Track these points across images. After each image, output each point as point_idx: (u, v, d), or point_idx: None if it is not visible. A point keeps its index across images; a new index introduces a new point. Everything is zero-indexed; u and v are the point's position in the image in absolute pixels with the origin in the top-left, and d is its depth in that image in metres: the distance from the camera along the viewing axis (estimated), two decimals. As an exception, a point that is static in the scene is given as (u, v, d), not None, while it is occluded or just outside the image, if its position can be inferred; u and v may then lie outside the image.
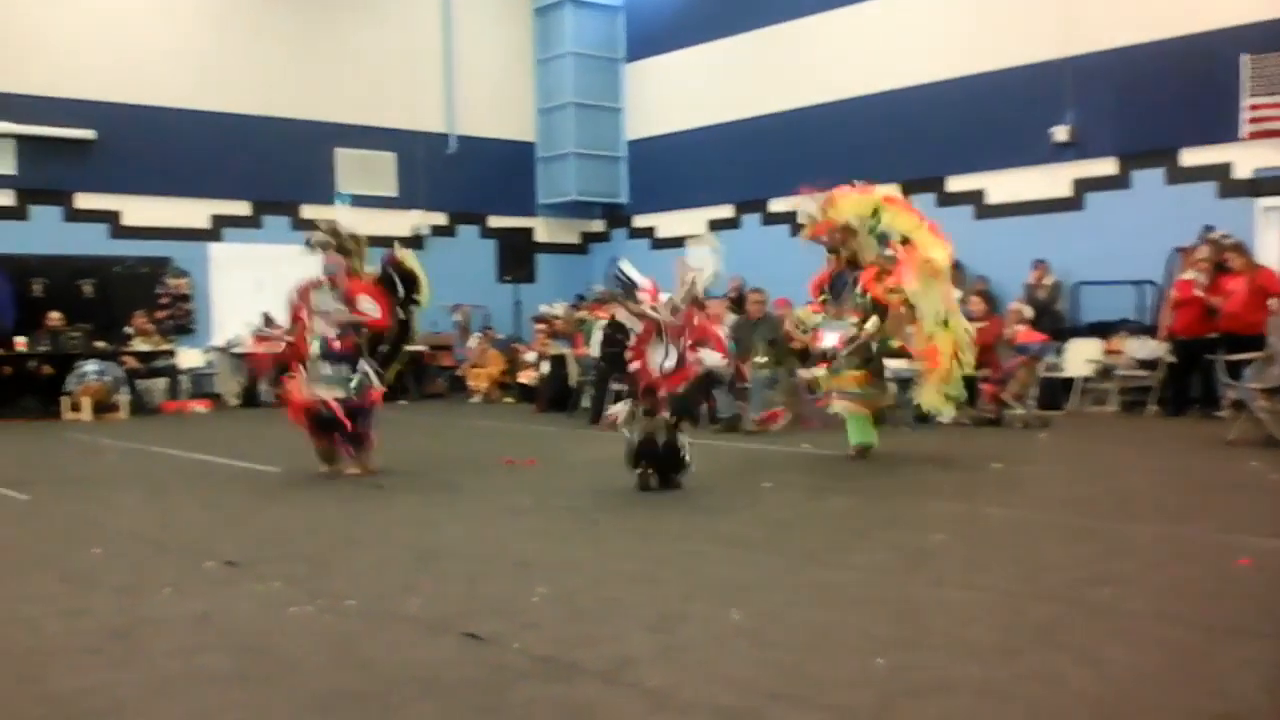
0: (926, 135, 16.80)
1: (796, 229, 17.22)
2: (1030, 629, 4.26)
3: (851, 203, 9.61)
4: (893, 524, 6.55)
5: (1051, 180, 15.49)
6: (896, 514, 6.96)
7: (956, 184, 16.60)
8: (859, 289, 9.44)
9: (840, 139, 17.78)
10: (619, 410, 8.06)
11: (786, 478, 8.54)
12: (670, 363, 7.80)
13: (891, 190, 9.63)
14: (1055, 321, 14.49)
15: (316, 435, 8.81)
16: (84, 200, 17.50)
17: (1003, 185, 16.08)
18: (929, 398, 9.38)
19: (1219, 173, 13.96)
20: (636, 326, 7.93)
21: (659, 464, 7.88)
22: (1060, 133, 15.29)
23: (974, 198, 16.43)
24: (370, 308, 8.93)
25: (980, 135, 16.21)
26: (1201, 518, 6.75)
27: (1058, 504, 7.34)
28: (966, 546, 5.86)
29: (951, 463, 9.48)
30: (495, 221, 20.97)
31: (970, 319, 12.77)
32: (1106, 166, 15.08)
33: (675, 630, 4.28)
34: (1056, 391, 13.64)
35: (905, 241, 9.29)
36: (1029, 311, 13.65)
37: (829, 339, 9.51)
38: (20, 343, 15.72)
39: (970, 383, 12.38)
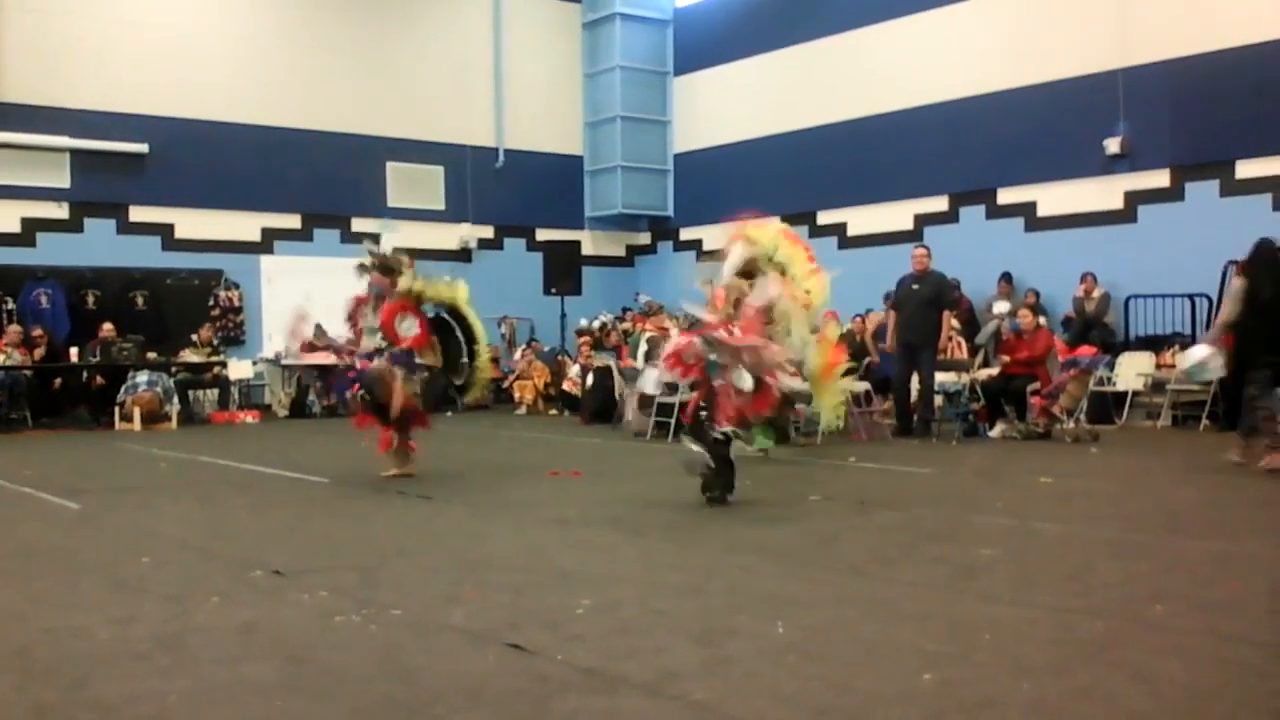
0: (977, 147, 16.70)
1: (845, 242, 17.30)
2: (1081, 646, 4.19)
3: (763, 234, 9.70)
4: (941, 538, 6.47)
5: (1103, 192, 15.35)
6: (945, 528, 6.89)
7: (1007, 196, 16.49)
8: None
9: (889, 151, 17.73)
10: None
11: (833, 491, 8.49)
12: (747, 385, 7.45)
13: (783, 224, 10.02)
14: (1105, 335, 14.33)
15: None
16: (137, 213, 17.76)
17: (1054, 197, 15.95)
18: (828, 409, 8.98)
19: (1275, 185, 13.77)
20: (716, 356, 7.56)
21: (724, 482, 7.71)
22: (1112, 144, 15.15)
23: (1025, 210, 16.30)
24: (408, 327, 9.08)
25: (1031, 147, 16.09)
26: (1255, 534, 6.64)
27: (1109, 519, 7.24)
28: (1016, 562, 5.78)
29: (1000, 477, 9.38)
30: (542, 234, 21.04)
31: (1019, 332, 12.73)
32: (1159, 179, 14.92)
33: (721, 643, 4.25)
34: (1108, 406, 13.48)
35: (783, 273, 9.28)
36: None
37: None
38: (74, 354, 15.95)
39: (1020, 396, 12.32)
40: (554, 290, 19.89)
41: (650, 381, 9.40)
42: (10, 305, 16.19)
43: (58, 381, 15.90)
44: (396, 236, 9.58)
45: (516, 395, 17.91)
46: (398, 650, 4.22)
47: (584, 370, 16.20)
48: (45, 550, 6.47)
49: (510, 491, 8.74)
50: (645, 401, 12.31)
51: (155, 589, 5.30)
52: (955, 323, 14.05)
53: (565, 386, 17.02)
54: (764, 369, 7.50)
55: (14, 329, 15.47)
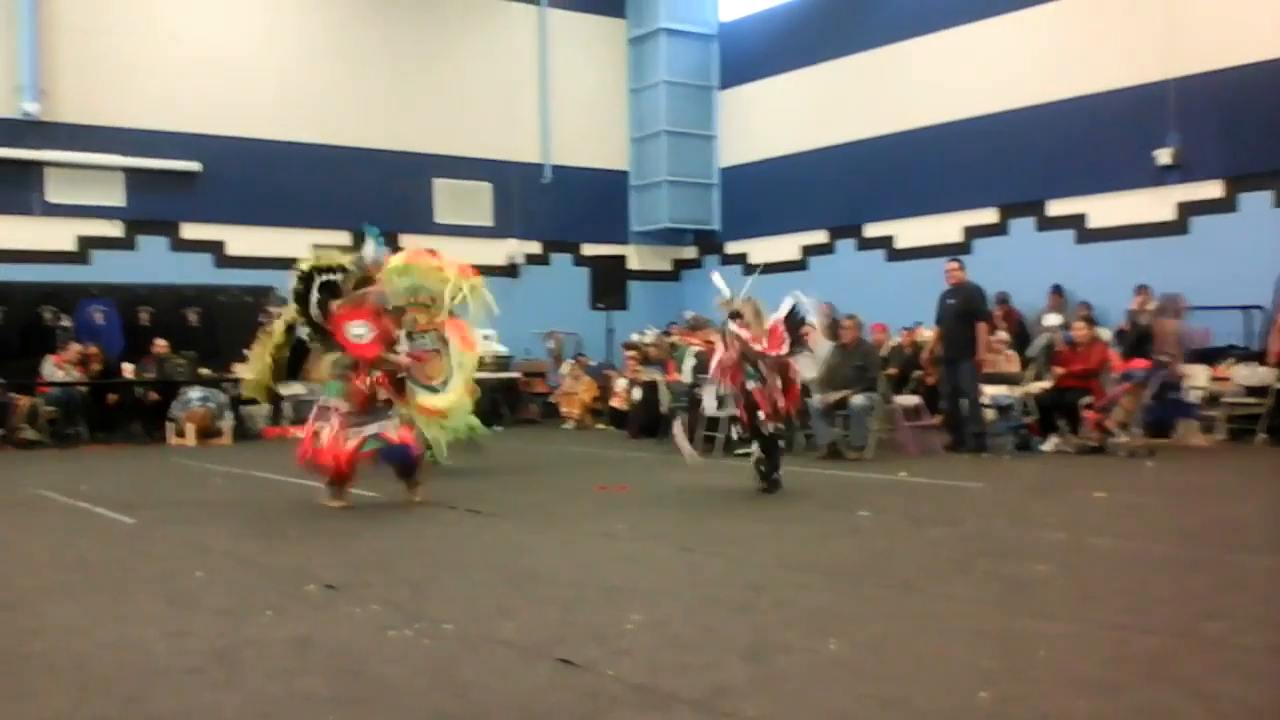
0: (1026, 159, 16.59)
1: (893, 255, 17.22)
2: (1138, 663, 4.13)
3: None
4: (994, 554, 6.41)
5: (1155, 204, 15.18)
6: (998, 544, 6.82)
7: (1057, 208, 16.36)
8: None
9: (937, 163, 17.65)
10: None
11: (884, 505, 8.42)
12: (777, 382, 8.77)
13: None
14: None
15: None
16: (189, 231, 17.99)
17: (1104, 209, 15.79)
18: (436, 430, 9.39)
19: (1331, 194, 13.57)
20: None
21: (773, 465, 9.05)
22: (1164, 155, 14.98)
23: (1075, 222, 16.16)
24: (358, 333, 8.47)
25: (1081, 158, 15.95)
26: (1317, 550, 6.52)
27: (1165, 534, 7.14)
28: (1071, 577, 5.71)
29: (1053, 491, 9.28)
30: (588, 250, 21.10)
31: (1073, 344, 12.61)
32: (1212, 189, 14.74)
33: (772, 659, 4.23)
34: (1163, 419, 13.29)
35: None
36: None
37: None
38: (128, 370, 16.15)
39: (1073, 409, 12.19)
40: (600, 305, 19.93)
41: (710, 403, 9.45)
42: (66, 322, 16.42)
43: (112, 397, 16.10)
44: (378, 245, 9.04)
45: (564, 410, 17.96)
46: (450, 664, 4.23)
47: (631, 384, 16.21)
48: (101, 564, 6.55)
49: (558, 506, 8.75)
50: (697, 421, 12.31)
51: (209, 603, 5.35)
52: (1004, 334, 13.94)
53: (613, 402, 17.03)
54: (790, 372, 8.86)
55: (74, 347, 15.69)
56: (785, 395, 8.93)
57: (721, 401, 9.21)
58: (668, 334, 18.09)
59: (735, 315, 8.85)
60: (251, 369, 9.08)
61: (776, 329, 8.85)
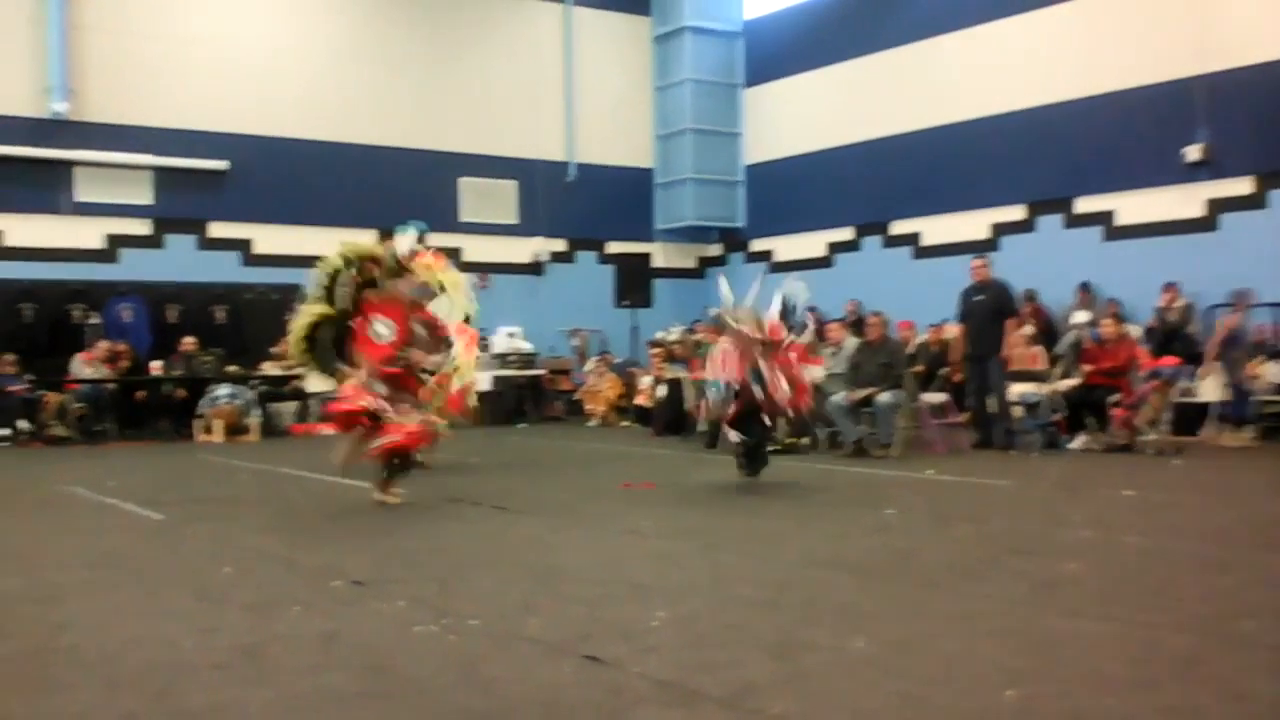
0: (1054, 155, 16.51)
1: (920, 252, 17.18)
2: (1168, 662, 4.10)
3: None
4: (1022, 552, 6.37)
5: (1184, 201, 15.08)
6: (1026, 542, 6.78)
7: (1085, 205, 16.27)
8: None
9: (964, 160, 17.58)
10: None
11: (911, 503, 8.39)
12: (782, 381, 8.86)
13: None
14: (1188, 345, 14.04)
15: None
16: (217, 229, 18.10)
17: (1133, 206, 15.70)
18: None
19: (1362, 190, 13.45)
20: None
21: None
22: (1193, 152, 14.89)
23: (1103, 219, 16.07)
24: (380, 332, 8.30)
25: (1110, 155, 15.86)
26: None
27: (1194, 533, 7.09)
28: (1099, 576, 5.68)
29: (1081, 489, 9.22)
30: (613, 247, 21.12)
31: (1101, 342, 12.53)
32: (1242, 186, 14.63)
33: (798, 657, 4.22)
34: (1190, 417, 13.20)
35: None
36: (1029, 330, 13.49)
37: None
38: (156, 367, 16.26)
39: (1101, 407, 12.12)
40: (625, 303, 19.92)
41: (733, 436, 9.51)
42: (95, 320, 16.55)
43: (141, 394, 16.22)
44: (411, 237, 8.81)
45: (588, 407, 17.97)
46: (476, 660, 4.24)
47: (656, 382, 16.20)
48: (129, 560, 6.59)
49: (583, 503, 8.76)
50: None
51: (237, 599, 5.37)
52: (1030, 329, 13.86)
53: (638, 400, 17.03)
54: (795, 371, 9.04)
55: (103, 344, 15.82)
56: (795, 395, 9.00)
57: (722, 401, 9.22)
58: (692, 331, 18.07)
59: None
60: (293, 344, 8.87)
61: (774, 327, 9.03)
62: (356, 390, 8.22)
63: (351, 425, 8.39)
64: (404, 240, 8.72)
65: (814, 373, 9.46)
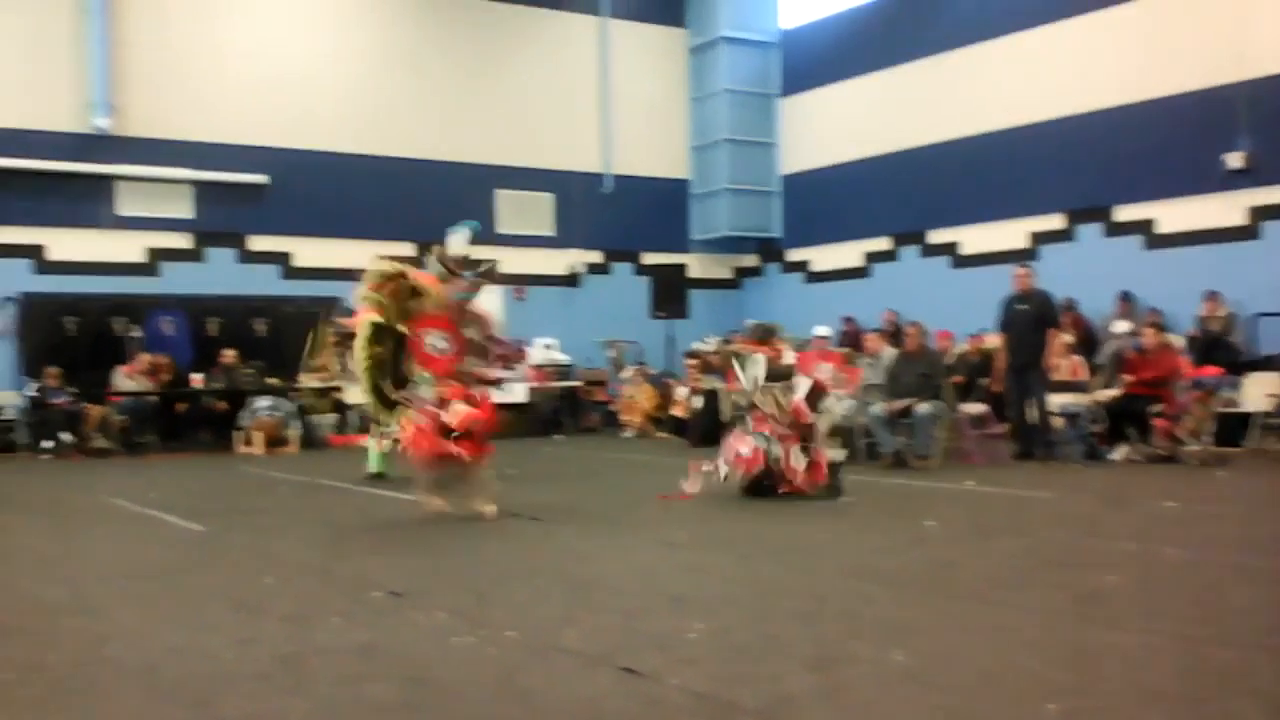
0: (1093, 164, 16.37)
1: (958, 261, 17.06)
2: (1213, 675, 4.05)
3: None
4: (1063, 564, 6.31)
5: (1225, 208, 14.91)
6: (1067, 554, 6.72)
7: (1125, 213, 16.12)
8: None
9: (1003, 169, 17.47)
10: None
11: (950, 515, 8.33)
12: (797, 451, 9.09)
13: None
14: (1231, 354, 13.89)
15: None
16: (257, 242, 18.25)
17: (1174, 214, 15.53)
18: None
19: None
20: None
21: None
22: (1234, 159, 14.72)
23: (1143, 227, 15.92)
24: (438, 346, 8.27)
25: (1150, 163, 15.70)
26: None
27: (1238, 545, 7.00)
28: (1142, 588, 5.62)
29: (1123, 501, 9.14)
30: (649, 258, 21.12)
31: (1142, 351, 12.41)
32: (1284, 193, 14.46)
33: (836, 670, 4.19)
34: (1234, 428, 13.04)
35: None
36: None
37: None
38: (196, 379, 16.39)
39: (1143, 418, 12.00)
40: (660, 314, 19.93)
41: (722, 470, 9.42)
42: (136, 333, 16.72)
43: (181, 407, 16.36)
44: (465, 237, 8.73)
45: (624, 418, 17.96)
46: (513, 672, 4.24)
47: (692, 393, 16.18)
48: (170, 571, 6.63)
49: (619, 514, 8.75)
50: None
51: (276, 609, 5.40)
52: (1067, 338, 13.75)
53: (675, 410, 17.01)
54: (816, 438, 9.23)
55: (144, 357, 15.99)
56: (809, 473, 9.12)
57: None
58: (728, 342, 18.04)
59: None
60: (360, 385, 8.55)
61: (798, 409, 9.24)
62: (430, 426, 8.06)
63: (443, 464, 8.23)
64: (457, 240, 8.65)
65: (837, 456, 9.46)
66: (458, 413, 8.13)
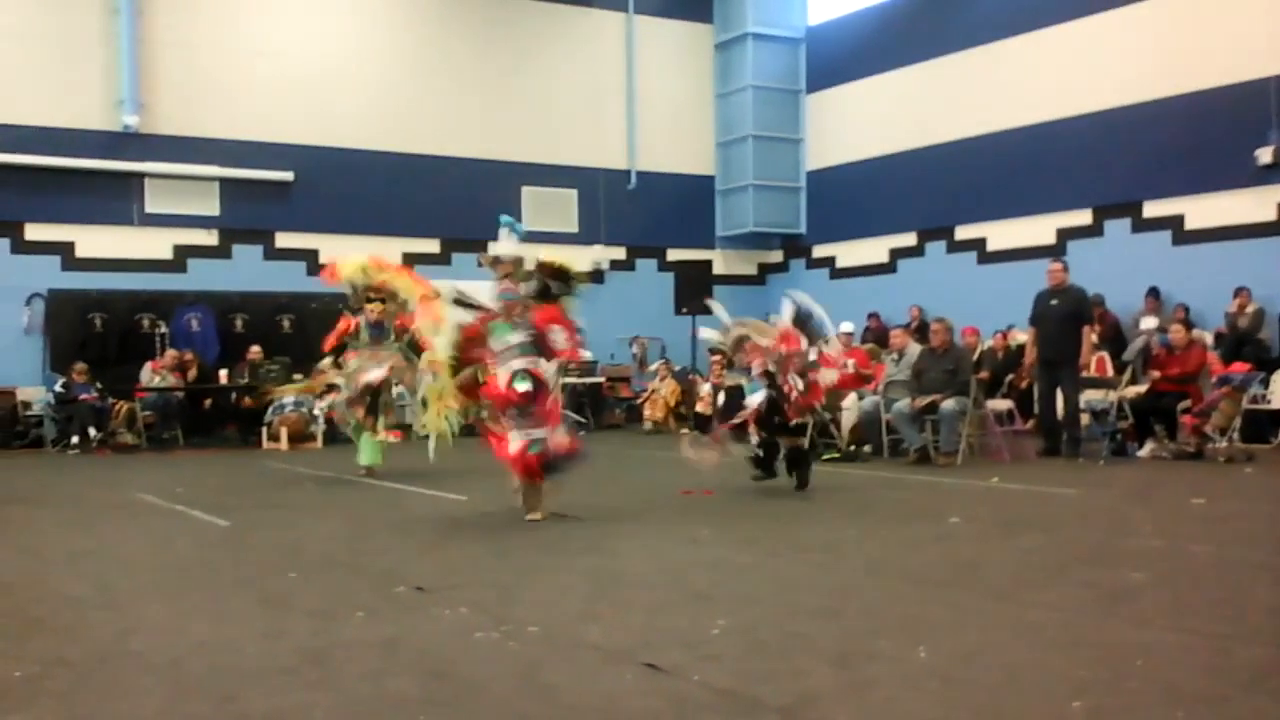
0: (1121, 159, 16.26)
1: (984, 257, 16.95)
2: (1240, 674, 4.01)
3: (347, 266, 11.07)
4: (1088, 561, 6.27)
5: (1256, 204, 14.79)
6: (1092, 551, 6.67)
7: (1153, 209, 16.01)
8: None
9: (1030, 164, 17.38)
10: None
11: (975, 512, 8.29)
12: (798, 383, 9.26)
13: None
14: (1260, 351, 13.78)
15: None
16: (283, 239, 18.33)
17: (1203, 210, 15.42)
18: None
19: None
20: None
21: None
22: (1265, 154, 14.61)
23: (1172, 223, 15.80)
24: (558, 339, 8.11)
25: (1179, 158, 15.59)
26: None
27: (1265, 542, 6.95)
28: (1168, 586, 5.58)
29: (1150, 498, 9.08)
30: (674, 254, 21.10)
31: (1170, 348, 12.32)
32: (1316, 189, 14.33)
33: (860, 667, 4.18)
34: (1262, 424, 12.95)
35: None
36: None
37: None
38: (223, 375, 16.49)
39: (1170, 414, 11.92)
40: (685, 310, 19.89)
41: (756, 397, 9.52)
42: (163, 329, 16.82)
43: (208, 402, 16.45)
44: (511, 238, 8.62)
45: (646, 412, 17.95)
46: (536, 667, 4.24)
47: (715, 390, 16.15)
48: (196, 566, 6.67)
49: (642, 510, 8.74)
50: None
51: (302, 604, 5.42)
52: (1094, 337, 13.67)
53: (698, 406, 16.98)
54: (813, 374, 9.27)
55: (171, 353, 16.09)
56: (806, 395, 9.28)
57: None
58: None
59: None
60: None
61: (787, 334, 9.31)
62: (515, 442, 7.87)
63: (535, 477, 8.05)
64: (505, 241, 8.52)
65: (830, 376, 9.50)
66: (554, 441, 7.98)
